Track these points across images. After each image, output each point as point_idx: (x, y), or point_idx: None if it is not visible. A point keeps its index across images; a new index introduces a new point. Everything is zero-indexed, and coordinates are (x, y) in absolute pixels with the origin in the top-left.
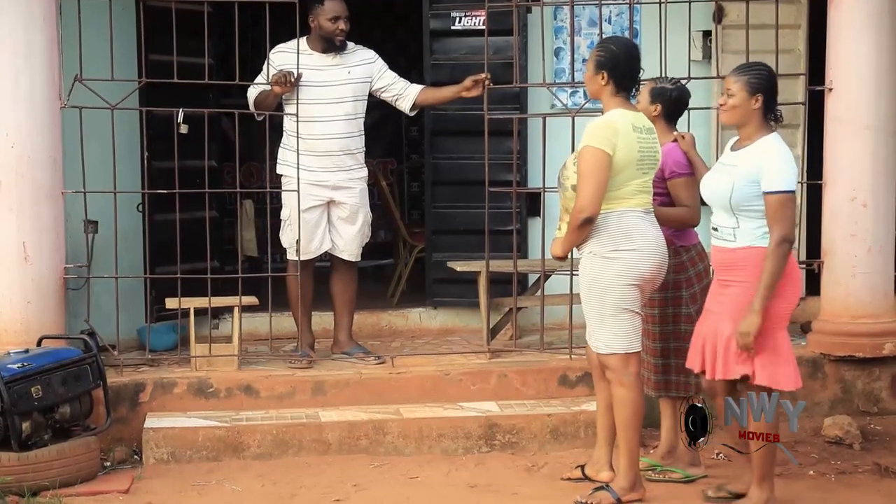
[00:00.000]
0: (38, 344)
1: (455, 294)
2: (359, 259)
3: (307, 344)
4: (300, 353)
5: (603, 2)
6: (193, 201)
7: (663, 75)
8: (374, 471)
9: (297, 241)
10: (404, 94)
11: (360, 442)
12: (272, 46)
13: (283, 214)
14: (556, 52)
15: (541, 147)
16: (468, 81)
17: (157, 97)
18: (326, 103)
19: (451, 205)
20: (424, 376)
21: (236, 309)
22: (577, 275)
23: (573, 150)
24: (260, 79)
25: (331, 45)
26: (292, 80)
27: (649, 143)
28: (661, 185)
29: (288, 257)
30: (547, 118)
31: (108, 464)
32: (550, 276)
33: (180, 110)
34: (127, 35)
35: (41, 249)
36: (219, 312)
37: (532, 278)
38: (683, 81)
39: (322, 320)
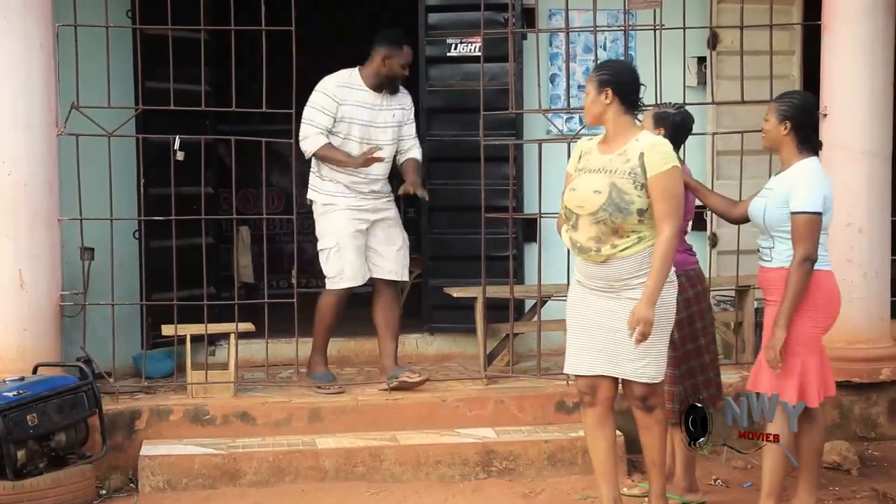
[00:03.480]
0: (34, 371)
1: (452, 320)
2: (407, 280)
3: (325, 366)
4: (324, 376)
5: (598, 28)
6: (190, 228)
7: (668, 101)
8: (371, 498)
9: (340, 270)
10: (403, 152)
11: (356, 469)
12: (269, 73)
13: (329, 243)
14: (552, 79)
15: (537, 173)
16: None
17: (153, 124)
18: (373, 143)
19: (447, 231)
20: (421, 403)
21: (233, 335)
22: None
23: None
24: (319, 116)
25: (387, 86)
26: (373, 157)
27: None
28: None
29: (331, 286)
30: (543, 144)
31: (104, 492)
32: (547, 301)
33: (177, 137)
34: (124, 63)
35: (37, 276)
36: (215, 339)
37: (529, 304)
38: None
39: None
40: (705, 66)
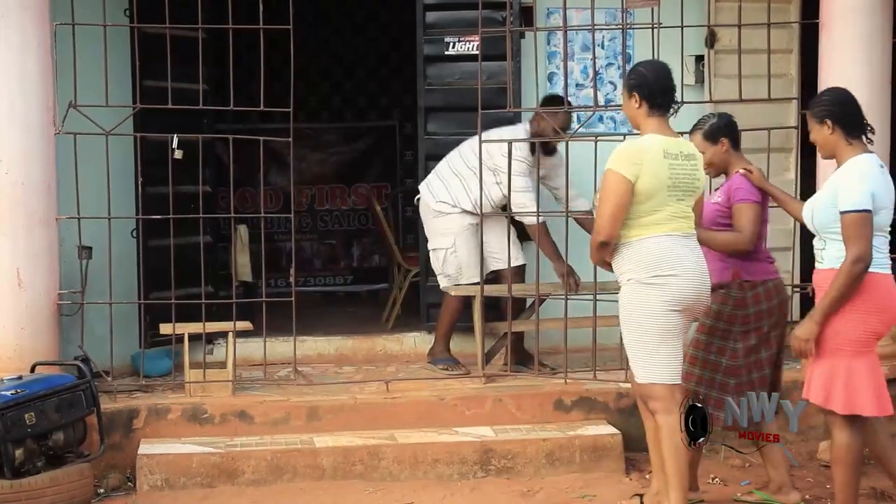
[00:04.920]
0: (32, 370)
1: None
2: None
3: (448, 352)
4: (450, 360)
5: (596, 27)
6: (188, 226)
7: (706, 115)
8: (369, 497)
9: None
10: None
11: (354, 467)
12: (266, 72)
13: (447, 243)
14: (550, 77)
15: (535, 171)
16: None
17: (151, 123)
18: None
19: None
20: (419, 401)
21: (231, 334)
22: (573, 299)
23: (567, 174)
24: (531, 182)
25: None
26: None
27: (686, 169)
28: (728, 213)
29: (451, 282)
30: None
31: (102, 491)
32: (545, 300)
33: (175, 136)
34: (121, 61)
35: (35, 275)
36: (213, 338)
37: (527, 302)
38: (676, 106)
39: (317, 345)
40: (703, 64)
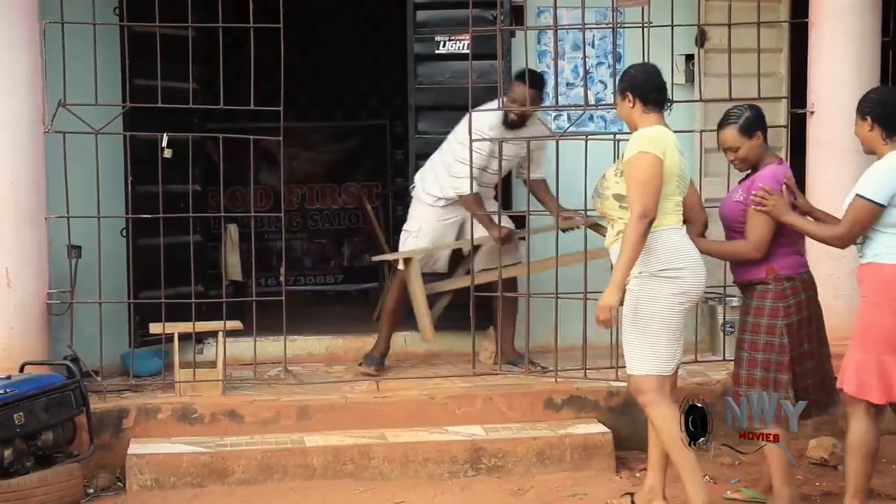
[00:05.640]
0: (21, 370)
1: (440, 318)
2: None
3: (382, 353)
4: (374, 359)
5: (586, 26)
6: (178, 226)
7: (733, 109)
8: (360, 496)
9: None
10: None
11: (345, 467)
12: (256, 70)
13: (414, 227)
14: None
15: (525, 170)
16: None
17: (141, 121)
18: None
19: None
20: (410, 400)
21: (221, 334)
22: (563, 299)
23: (557, 173)
24: (483, 153)
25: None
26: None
27: (684, 164)
28: (743, 218)
29: (402, 267)
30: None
31: (92, 491)
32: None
33: (164, 135)
34: (111, 60)
35: (24, 275)
36: (203, 337)
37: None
38: (670, 105)
39: (307, 344)
40: (693, 63)
